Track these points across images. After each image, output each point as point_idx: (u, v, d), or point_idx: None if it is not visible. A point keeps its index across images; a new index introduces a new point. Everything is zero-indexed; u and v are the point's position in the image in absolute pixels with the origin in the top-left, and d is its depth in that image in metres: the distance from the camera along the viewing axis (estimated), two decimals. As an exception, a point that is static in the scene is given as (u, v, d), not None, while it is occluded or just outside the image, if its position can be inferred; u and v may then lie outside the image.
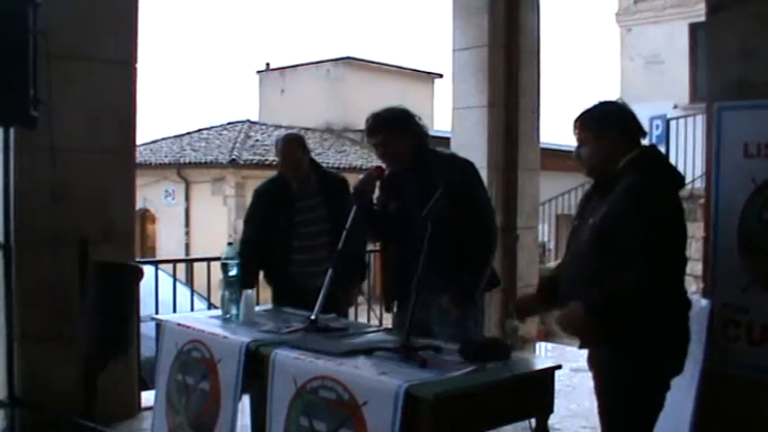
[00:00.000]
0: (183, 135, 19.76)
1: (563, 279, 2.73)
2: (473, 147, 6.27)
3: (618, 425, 2.57)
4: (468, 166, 3.36)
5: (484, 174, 6.00)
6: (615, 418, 2.57)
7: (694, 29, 12.05)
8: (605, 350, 2.57)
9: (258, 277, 3.91)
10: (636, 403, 2.51)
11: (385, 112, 3.32)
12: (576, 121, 2.67)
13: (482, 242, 3.23)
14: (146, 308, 4.45)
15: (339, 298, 3.77)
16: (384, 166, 3.35)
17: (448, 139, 6.68)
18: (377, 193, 3.36)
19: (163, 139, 19.77)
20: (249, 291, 3.31)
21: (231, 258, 3.31)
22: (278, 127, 19.66)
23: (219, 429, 2.91)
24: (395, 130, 3.25)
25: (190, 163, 17.05)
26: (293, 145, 3.87)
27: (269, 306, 3.94)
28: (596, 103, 2.69)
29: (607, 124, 2.59)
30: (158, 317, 3.50)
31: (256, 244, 3.82)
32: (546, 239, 13.13)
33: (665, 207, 2.44)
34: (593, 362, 2.68)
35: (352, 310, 4.44)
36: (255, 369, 2.77)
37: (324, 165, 4.15)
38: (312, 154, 4.01)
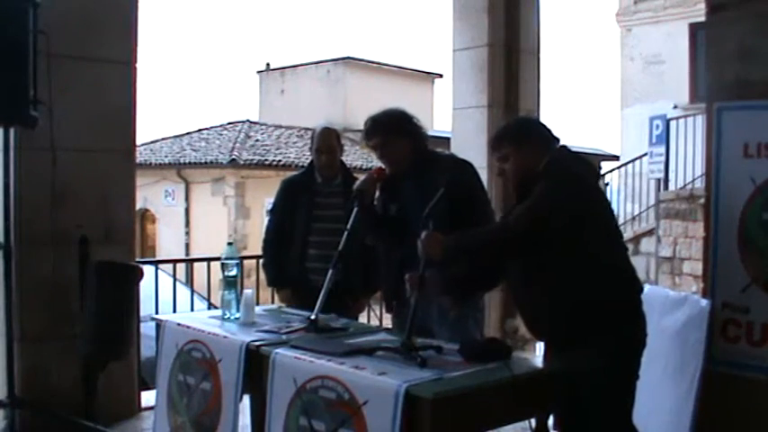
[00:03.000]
0: (183, 135, 19.78)
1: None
2: (473, 147, 6.26)
3: (593, 420, 2.56)
4: (467, 167, 3.36)
5: (484, 174, 5.98)
6: (588, 413, 2.56)
7: (694, 29, 12.04)
8: (560, 351, 2.65)
9: (282, 272, 4.00)
10: (598, 393, 2.51)
11: (383, 114, 3.32)
12: (494, 140, 2.80)
13: None
14: (146, 308, 4.44)
15: (350, 305, 3.80)
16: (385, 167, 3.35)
17: (448, 139, 6.68)
18: (377, 194, 3.37)
19: (163, 139, 19.79)
20: (249, 291, 3.32)
21: (231, 258, 3.31)
22: (278, 127, 19.71)
23: (222, 430, 2.91)
24: (393, 132, 3.26)
25: (190, 163, 17.06)
26: (330, 132, 4.04)
27: (269, 306, 3.96)
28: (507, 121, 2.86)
29: (526, 132, 2.75)
30: (158, 317, 3.50)
31: (278, 233, 4.01)
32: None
33: (556, 196, 2.55)
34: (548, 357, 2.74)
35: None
36: (255, 369, 2.78)
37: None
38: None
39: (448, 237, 2.66)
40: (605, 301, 2.54)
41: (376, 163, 3.39)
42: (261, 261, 4.31)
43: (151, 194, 16.97)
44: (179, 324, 3.21)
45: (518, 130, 2.79)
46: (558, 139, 2.77)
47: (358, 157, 17.84)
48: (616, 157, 15.00)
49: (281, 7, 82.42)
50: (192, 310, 5.27)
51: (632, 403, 2.61)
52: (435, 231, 2.68)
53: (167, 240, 17.35)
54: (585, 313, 2.52)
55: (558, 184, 2.56)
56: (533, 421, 2.54)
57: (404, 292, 2.90)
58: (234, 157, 16.38)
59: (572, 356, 2.55)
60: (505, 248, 2.64)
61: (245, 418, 3.17)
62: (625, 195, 11.31)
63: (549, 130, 2.79)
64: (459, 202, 3.03)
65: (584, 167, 2.76)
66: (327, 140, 3.96)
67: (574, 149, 2.82)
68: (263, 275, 4.22)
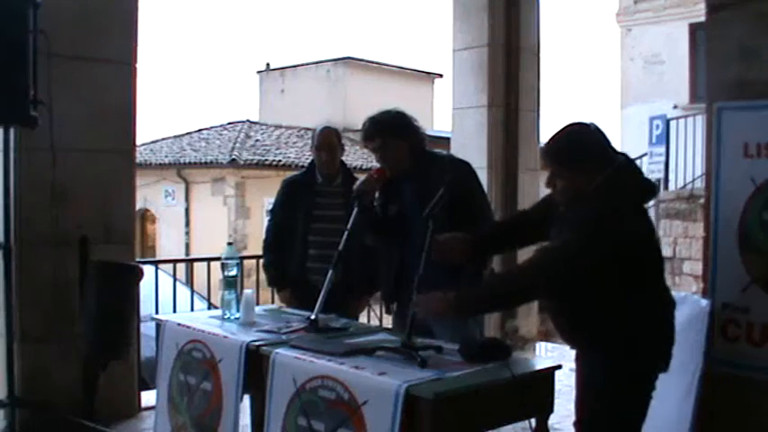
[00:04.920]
0: (183, 135, 19.79)
1: None
2: (473, 147, 6.27)
3: (594, 425, 2.57)
4: (465, 167, 3.37)
5: (483, 174, 6.04)
6: (593, 417, 2.57)
7: (694, 29, 12.06)
8: (585, 351, 2.62)
9: (282, 273, 4.00)
10: (613, 402, 2.51)
11: (381, 116, 3.32)
12: (544, 152, 2.60)
13: None
14: (146, 308, 4.45)
15: (350, 304, 3.80)
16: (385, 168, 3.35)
17: (448, 139, 6.68)
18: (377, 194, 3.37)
19: (163, 139, 19.81)
20: (249, 291, 3.32)
21: (231, 258, 3.31)
22: (278, 127, 19.72)
23: (222, 429, 2.91)
24: (391, 134, 3.26)
25: (190, 163, 17.06)
26: (331, 130, 4.06)
27: (269, 306, 3.95)
28: (564, 131, 2.58)
29: (577, 156, 2.50)
30: (158, 317, 3.50)
31: (278, 233, 4.01)
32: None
33: (604, 232, 2.38)
34: (576, 360, 2.71)
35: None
36: (255, 369, 2.78)
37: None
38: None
39: (455, 294, 2.52)
40: (646, 317, 2.49)
41: (376, 163, 3.39)
42: (261, 261, 4.31)
43: (151, 194, 16.98)
44: (179, 324, 3.21)
45: (569, 152, 2.52)
46: (615, 151, 2.55)
47: (358, 157, 17.84)
48: (616, 157, 14.99)
49: (281, 7, 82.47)
50: (192, 310, 5.27)
51: (641, 419, 2.57)
52: (431, 293, 2.55)
53: (167, 240, 17.35)
54: (612, 328, 2.48)
55: (587, 232, 2.39)
56: (533, 421, 2.55)
57: (403, 294, 2.90)
58: (234, 157, 16.38)
59: (591, 362, 2.57)
60: (529, 295, 2.58)
61: (245, 418, 3.17)
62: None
63: (604, 145, 2.53)
64: (458, 203, 3.03)
65: (637, 194, 2.55)
66: (327, 138, 3.97)
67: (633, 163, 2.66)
68: (263, 275, 4.22)
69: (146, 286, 4.29)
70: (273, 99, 22.36)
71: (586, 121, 2.61)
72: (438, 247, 2.72)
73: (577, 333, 2.62)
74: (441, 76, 22.38)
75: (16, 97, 3.39)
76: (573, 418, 2.69)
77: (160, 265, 5.47)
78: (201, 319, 3.31)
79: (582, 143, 2.53)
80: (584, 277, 2.41)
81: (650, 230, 2.60)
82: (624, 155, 2.61)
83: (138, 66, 4.34)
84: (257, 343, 2.81)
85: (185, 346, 3.11)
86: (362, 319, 4.25)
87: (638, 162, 10.84)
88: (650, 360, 2.56)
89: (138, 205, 10.38)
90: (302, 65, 22.16)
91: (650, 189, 2.61)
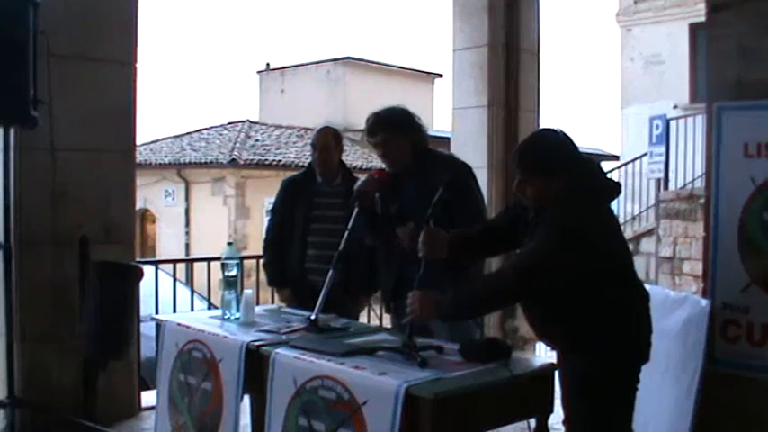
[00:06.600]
0: (183, 135, 19.79)
1: None
2: (473, 147, 6.27)
3: (582, 422, 2.58)
4: (464, 169, 3.37)
5: (483, 174, 6.04)
6: (580, 414, 2.58)
7: (694, 29, 12.06)
8: (565, 351, 2.63)
9: (282, 272, 3.99)
10: (598, 398, 2.51)
11: (385, 111, 3.32)
12: (513, 162, 2.61)
13: None
14: (146, 308, 4.45)
15: (348, 304, 3.80)
16: (386, 168, 3.35)
17: (448, 139, 6.69)
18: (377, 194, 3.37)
19: (163, 139, 19.80)
20: (249, 291, 3.32)
21: (231, 258, 3.31)
22: (278, 127, 19.72)
23: (223, 429, 2.91)
24: (394, 130, 3.26)
25: (190, 163, 17.06)
26: (327, 130, 4.04)
27: (269, 306, 3.96)
28: (532, 138, 2.69)
29: (547, 163, 2.52)
30: (158, 317, 3.50)
31: (278, 233, 4.01)
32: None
33: (571, 243, 2.41)
34: (558, 359, 2.72)
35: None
36: (256, 369, 2.78)
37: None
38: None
39: (441, 296, 2.57)
40: (617, 311, 2.51)
41: (376, 163, 3.39)
42: (261, 261, 4.32)
43: (151, 194, 16.97)
44: (179, 324, 3.21)
45: (539, 159, 2.54)
46: (581, 159, 2.59)
47: (358, 156, 17.86)
48: (616, 157, 15.02)
49: (281, 7, 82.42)
50: (192, 310, 5.27)
51: (629, 412, 2.59)
52: (424, 291, 2.58)
53: (167, 240, 17.35)
54: (585, 326, 2.51)
55: (557, 240, 2.42)
56: (533, 421, 2.55)
57: (403, 293, 2.90)
58: (234, 157, 16.38)
59: (573, 360, 2.57)
60: (505, 300, 2.65)
61: (245, 418, 3.17)
62: (625, 195, 11.31)
63: (572, 151, 2.58)
64: (455, 204, 3.03)
65: (601, 195, 2.60)
66: (323, 138, 3.96)
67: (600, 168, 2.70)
68: (263, 275, 4.22)
69: (146, 286, 4.29)
70: (273, 99, 22.36)
71: (554, 127, 2.66)
72: (423, 240, 2.72)
73: (556, 334, 2.63)
74: (441, 76, 22.39)
75: (16, 97, 3.39)
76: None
77: (160, 265, 5.46)
78: (201, 319, 3.31)
79: (551, 150, 2.57)
80: (555, 282, 2.44)
81: (616, 229, 2.66)
82: (589, 158, 2.65)
83: (138, 66, 4.34)
84: (257, 343, 2.81)
85: (185, 346, 3.11)
86: (362, 319, 4.25)
87: (638, 162, 10.90)
88: (630, 354, 2.57)
89: (138, 205, 10.37)
90: (302, 65, 22.16)
91: (614, 189, 2.65)
